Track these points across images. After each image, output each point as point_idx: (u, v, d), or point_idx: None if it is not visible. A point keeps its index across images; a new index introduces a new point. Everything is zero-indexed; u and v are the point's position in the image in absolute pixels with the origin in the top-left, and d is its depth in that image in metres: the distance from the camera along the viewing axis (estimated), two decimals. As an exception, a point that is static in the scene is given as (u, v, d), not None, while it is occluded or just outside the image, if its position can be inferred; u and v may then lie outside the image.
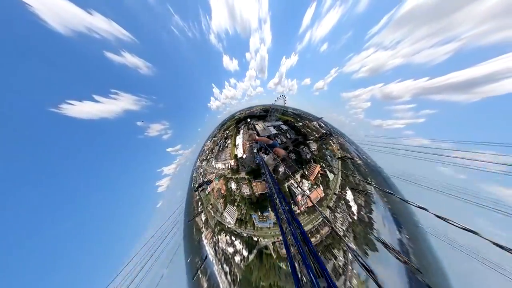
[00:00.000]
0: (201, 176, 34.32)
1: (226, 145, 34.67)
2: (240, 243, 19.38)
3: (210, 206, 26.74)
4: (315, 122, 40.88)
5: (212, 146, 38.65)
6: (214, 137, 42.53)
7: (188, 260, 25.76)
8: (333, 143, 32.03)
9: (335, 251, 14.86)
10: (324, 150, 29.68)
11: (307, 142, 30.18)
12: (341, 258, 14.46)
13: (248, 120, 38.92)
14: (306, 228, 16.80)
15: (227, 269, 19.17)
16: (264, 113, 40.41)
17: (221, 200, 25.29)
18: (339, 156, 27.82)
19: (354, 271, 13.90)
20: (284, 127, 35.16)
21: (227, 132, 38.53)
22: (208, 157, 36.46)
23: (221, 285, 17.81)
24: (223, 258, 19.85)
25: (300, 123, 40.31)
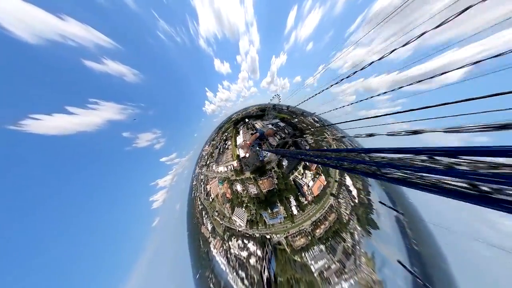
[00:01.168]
0: (202, 183, 32.79)
1: (226, 147, 34.20)
2: (253, 244, 18.81)
3: (216, 213, 25.53)
4: (309, 117, 43.41)
5: (211, 150, 37.77)
6: (213, 140, 41.70)
7: (197, 276, 23.78)
8: (328, 135, 34.29)
9: (343, 234, 15.78)
10: (320, 142, 31.43)
11: (304, 135, 31.64)
12: (349, 240, 15.42)
13: (246, 120, 39.14)
14: (316, 216, 17.34)
15: (243, 274, 18.31)
16: (261, 113, 41.24)
17: (227, 205, 24.48)
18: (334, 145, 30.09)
19: (362, 250, 15.26)
20: (282, 124, 36.35)
21: (226, 134, 38.12)
22: (208, 162, 35.36)
23: (239, 293, 16.80)
24: (237, 265, 18.98)
25: (296, 119, 42.11)
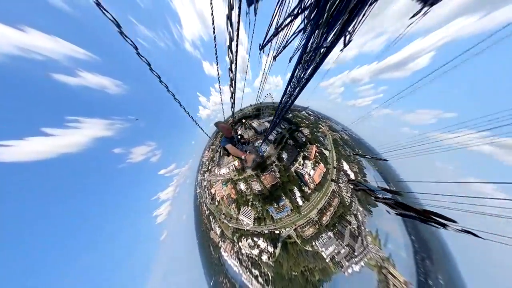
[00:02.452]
0: (206, 189, 32.78)
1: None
2: (263, 241, 18.73)
3: (223, 216, 25.41)
4: (303, 112, 44.68)
5: (211, 155, 38.01)
6: (212, 145, 42.09)
7: (212, 283, 23.33)
8: (322, 126, 35.06)
9: (348, 217, 16.10)
10: (316, 133, 32.16)
11: (300, 129, 32.43)
12: (354, 222, 15.82)
13: (243, 120, 39.98)
14: (321, 203, 17.72)
15: (256, 272, 18.09)
16: (257, 112, 42.27)
17: (233, 205, 24.42)
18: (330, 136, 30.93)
19: (367, 229, 16.26)
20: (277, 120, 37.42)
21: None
22: (210, 167, 35.50)
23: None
24: (249, 264, 18.87)
25: (290, 114, 43.11)
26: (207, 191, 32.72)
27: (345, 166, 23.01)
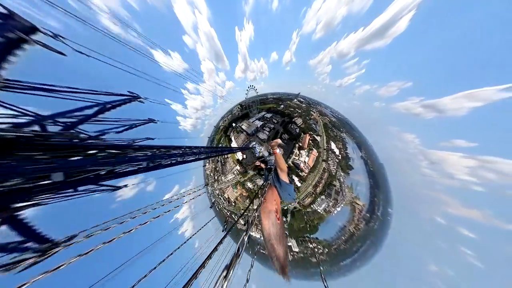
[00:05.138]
0: (219, 196, 47.93)
1: (226, 156, 49.28)
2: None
3: (242, 211, 41.30)
4: (295, 100, 58.84)
5: (213, 166, 52.73)
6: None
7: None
8: (313, 112, 50.08)
9: (334, 181, 32.87)
10: (308, 121, 46.93)
11: (293, 120, 47.11)
12: (337, 184, 32.68)
13: (234, 124, 53.76)
14: (314, 180, 33.99)
15: None
16: (246, 110, 55.73)
17: (247, 201, 40.07)
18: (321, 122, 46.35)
19: (346, 184, 32.72)
20: (268, 115, 51.67)
21: (220, 145, 53.30)
22: (217, 177, 50.39)
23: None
24: None
25: (282, 105, 57.79)
26: (221, 198, 47.93)
27: (333, 146, 37.99)
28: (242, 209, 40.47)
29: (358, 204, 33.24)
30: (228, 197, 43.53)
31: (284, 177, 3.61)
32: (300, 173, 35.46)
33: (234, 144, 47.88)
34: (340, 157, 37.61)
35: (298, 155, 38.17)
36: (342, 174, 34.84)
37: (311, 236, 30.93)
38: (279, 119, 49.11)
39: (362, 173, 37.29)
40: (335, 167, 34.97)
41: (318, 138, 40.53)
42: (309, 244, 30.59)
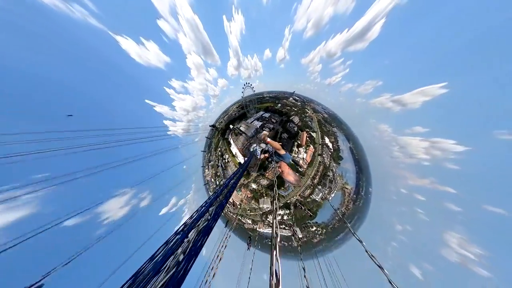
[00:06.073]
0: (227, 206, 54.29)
1: (226, 160, 56.18)
2: (281, 210, 42.60)
3: (249, 211, 48.22)
4: (290, 98, 67.29)
5: (214, 171, 59.36)
6: (209, 162, 63.42)
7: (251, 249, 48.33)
8: (308, 110, 58.73)
9: (328, 172, 41.14)
10: (304, 119, 55.14)
11: (290, 118, 55.13)
12: (331, 174, 41.09)
13: (231, 126, 59.91)
14: (311, 172, 42.22)
15: (283, 226, 42.08)
16: (243, 110, 62.01)
17: (253, 201, 47.23)
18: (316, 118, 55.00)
19: (337, 173, 42.24)
20: (267, 115, 59.30)
21: (219, 148, 60.10)
22: (218, 182, 56.98)
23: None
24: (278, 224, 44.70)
25: (279, 104, 66.00)
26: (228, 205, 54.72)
27: (326, 140, 46.54)
28: (248, 209, 47.61)
29: (347, 188, 42.29)
30: (233, 201, 50.50)
31: (281, 152, 7.30)
32: (299, 169, 43.46)
33: (233, 147, 54.80)
34: (332, 150, 46.21)
35: (297, 152, 46.22)
36: (334, 164, 43.17)
37: (312, 221, 39.08)
38: (278, 118, 56.59)
39: (350, 162, 47.21)
40: (328, 160, 43.46)
41: (314, 134, 48.90)
42: (310, 228, 38.68)
